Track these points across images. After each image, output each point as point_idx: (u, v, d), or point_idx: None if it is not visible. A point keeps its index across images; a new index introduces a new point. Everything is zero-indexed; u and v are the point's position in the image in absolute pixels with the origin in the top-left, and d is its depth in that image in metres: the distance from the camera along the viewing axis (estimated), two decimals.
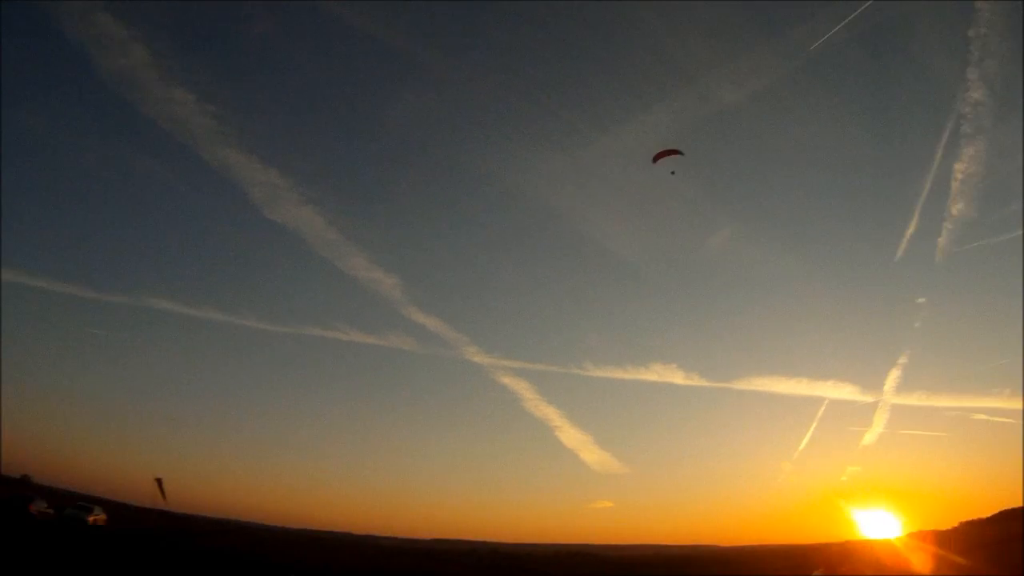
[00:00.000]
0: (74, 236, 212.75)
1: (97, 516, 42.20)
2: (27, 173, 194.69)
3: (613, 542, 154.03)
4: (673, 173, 39.60)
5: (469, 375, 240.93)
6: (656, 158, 37.92)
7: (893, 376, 74.33)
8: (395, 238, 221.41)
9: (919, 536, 46.36)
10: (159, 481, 40.93)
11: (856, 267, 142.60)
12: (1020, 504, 46.50)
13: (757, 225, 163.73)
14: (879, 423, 79.47)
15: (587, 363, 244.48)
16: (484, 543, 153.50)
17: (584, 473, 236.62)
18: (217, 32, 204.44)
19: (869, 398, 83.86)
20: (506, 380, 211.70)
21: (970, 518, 49.35)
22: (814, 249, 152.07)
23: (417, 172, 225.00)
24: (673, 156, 37.79)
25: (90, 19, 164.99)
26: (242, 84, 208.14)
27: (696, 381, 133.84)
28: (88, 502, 50.52)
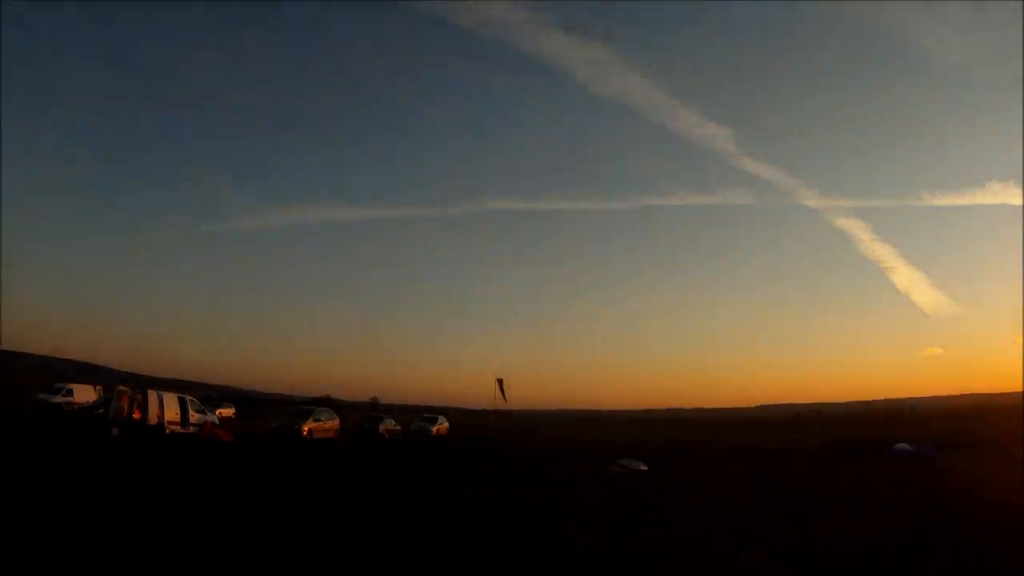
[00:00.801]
0: (420, 167, 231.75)
1: (440, 426, 44.13)
2: (365, 115, 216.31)
3: (941, 393, 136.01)
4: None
5: (804, 223, 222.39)
6: None
7: None
8: (724, 87, 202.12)
9: None
10: (500, 382, 41.70)
11: None
12: None
13: None
14: None
15: (923, 192, 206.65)
16: (808, 406, 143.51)
17: (915, 318, 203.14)
18: None
19: None
20: (841, 222, 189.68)
21: None
22: None
23: (737, 10, 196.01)
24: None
25: None
26: None
27: None
28: (434, 413, 54.42)
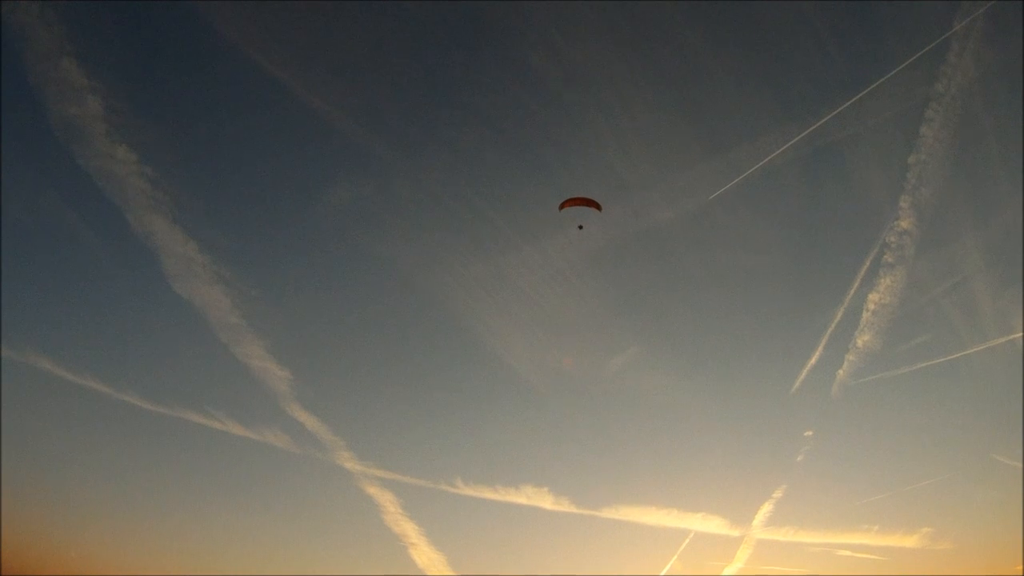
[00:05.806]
0: None
1: None
2: None
3: None
4: (581, 228, 36.89)
5: (336, 481, 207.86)
6: (564, 205, 34.46)
7: (764, 510, 61.66)
8: (295, 332, 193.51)
9: None
10: None
11: (750, 399, 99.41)
12: None
13: (657, 350, 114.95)
14: (740, 558, 72.03)
15: (458, 480, 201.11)
16: None
17: None
18: (173, 96, 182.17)
19: (736, 532, 75.61)
20: (372, 490, 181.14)
21: None
22: (709, 379, 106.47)
23: (334, 267, 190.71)
24: (585, 207, 34.80)
25: (53, 62, 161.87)
26: (183, 152, 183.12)
27: (565, 507, 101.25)
28: None
